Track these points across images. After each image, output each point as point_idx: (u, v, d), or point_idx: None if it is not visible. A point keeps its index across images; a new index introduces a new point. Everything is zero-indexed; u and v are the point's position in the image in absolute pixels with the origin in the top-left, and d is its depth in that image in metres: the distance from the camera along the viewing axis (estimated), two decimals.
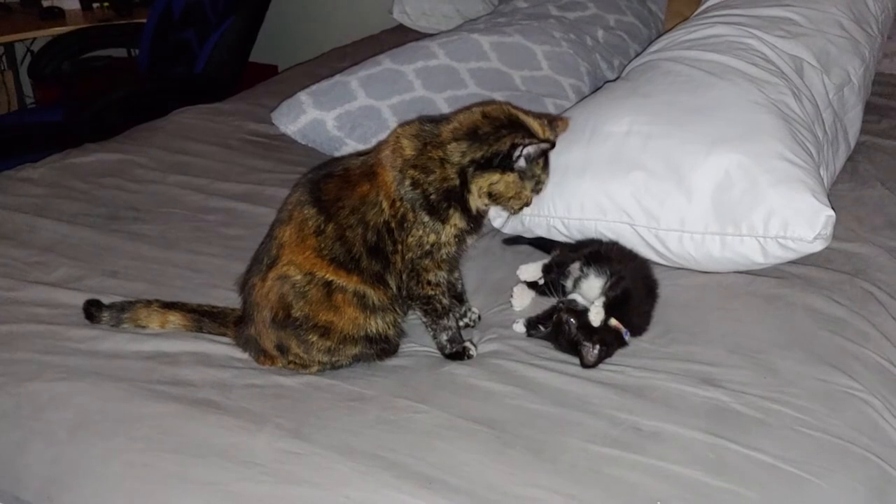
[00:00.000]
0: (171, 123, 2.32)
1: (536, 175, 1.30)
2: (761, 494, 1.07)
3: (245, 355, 1.36)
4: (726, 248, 1.44)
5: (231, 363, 1.34)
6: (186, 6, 3.22)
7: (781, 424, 1.18)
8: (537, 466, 1.11)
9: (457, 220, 1.29)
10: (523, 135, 1.26)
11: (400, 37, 2.75)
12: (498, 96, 1.98)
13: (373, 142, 1.93)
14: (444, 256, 1.31)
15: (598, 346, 1.29)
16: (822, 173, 1.54)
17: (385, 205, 1.28)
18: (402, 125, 1.34)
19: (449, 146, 1.26)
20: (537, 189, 1.32)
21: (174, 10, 3.25)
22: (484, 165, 1.26)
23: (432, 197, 1.27)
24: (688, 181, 1.46)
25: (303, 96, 2.04)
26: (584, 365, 1.30)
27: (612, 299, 1.34)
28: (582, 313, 1.33)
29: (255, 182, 1.96)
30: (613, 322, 1.33)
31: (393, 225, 1.28)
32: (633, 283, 1.39)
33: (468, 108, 1.33)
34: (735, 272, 1.50)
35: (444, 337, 1.35)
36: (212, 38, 3.07)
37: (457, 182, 1.27)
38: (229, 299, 1.47)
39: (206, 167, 2.04)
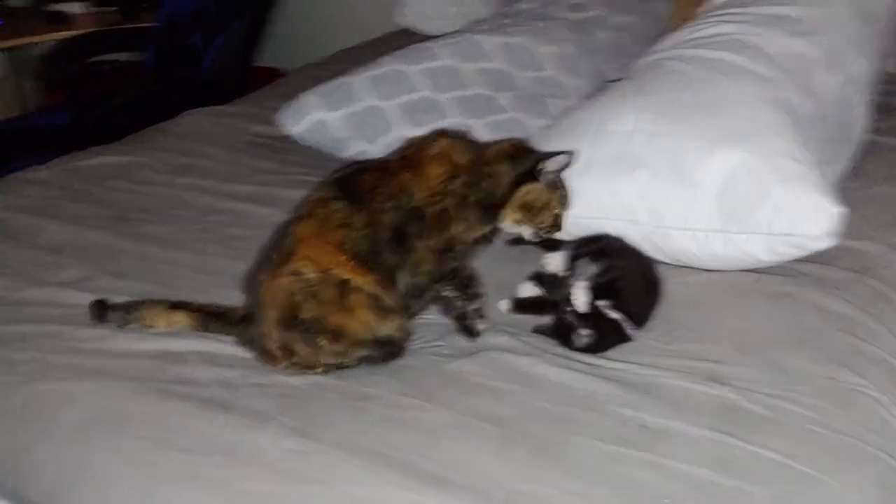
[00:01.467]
0: (177, 126, 2.32)
1: (560, 188, 1.43)
2: (770, 492, 1.07)
3: (250, 354, 1.36)
4: (730, 246, 1.44)
5: (237, 362, 1.34)
6: (193, 10, 3.23)
7: (790, 422, 1.17)
8: (544, 464, 1.10)
9: (489, 229, 1.40)
10: (545, 153, 1.43)
11: (404, 39, 2.75)
12: (501, 97, 1.99)
13: (378, 142, 1.95)
14: (465, 252, 1.38)
15: (588, 331, 1.31)
16: (828, 171, 1.53)
17: (420, 194, 1.32)
18: (446, 135, 1.41)
19: (497, 167, 1.39)
20: (563, 204, 1.45)
21: (180, 14, 3.26)
22: (519, 181, 1.39)
23: (483, 202, 1.37)
24: (692, 179, 1.46)
25: (308, 97, 2.04)
26: (571, 347, 1.33)
27: (596, 285, 1.36)
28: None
29: (261, 183, 1.96)
30: (613, 313, 1.33)
31: (427, 212, 1.32)
32: (628, 275, 1.40)
33: (495, 142, 1.45)
34: (742, 270, 1.49)
35: (472, 306, 1.37)
36: (217, 41, 3.08)
37: (496, 200, 1.39)
38: (235, 299, 1.46)
39: (212, 169, 2.05)
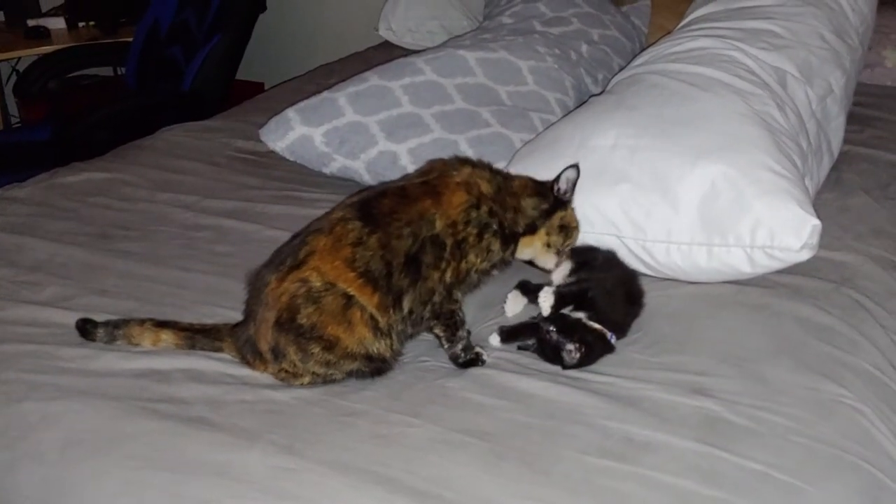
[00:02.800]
0: (158, 141, 2.32)
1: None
2: (754, 503, 1.08)
3: (236, 370, 1.36)
4: (713, 259, 1.46)
5: (222, 379, 1.33)
6: (172, 25, 3.23)
7: (772, 433, 1.19)
8: (531, 478, 1.11)
9: (508, 254, 1.42)
10: (556, 179, 1.45)
11: (386, 53, 2.76)
12: (485, 111, 2.00)
13: (361, 157, 1.95)
14: (476, 279, 1.40)
15: (577, 345, 1.31)
16: (806, 183, 1.56)
17: (439, 223, 1.32)
18: (470, 163, 1.43)
19: (523, 200, 1.42)
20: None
21: (160, 29, 3.25)
22: (549, 212, 1.43)
23: (506, 231, 1.39)
24: (674, 192, 1.47)
25: (290, 113, 2.05)
26: (565, 366, 1.32)
27: (567, 294, 1.38)
28: (559, 318, 1.36)
29: (244, 199, 1.96)
30: (593, 324, 1.35)
31: (447, 242, 1.33)
32: (602, 285, 1.41)
33: (517, 176, 1.48)
34: (723, 282, 1.51)
35: (458, 347, 1.37)
36: (199, 55, 3.08)
37: (521, 230, 1.42)
38: (219, 316, 1.47)
39: (194, 185, 2.04)
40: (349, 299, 1.28)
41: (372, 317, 1.29)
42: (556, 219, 1.43)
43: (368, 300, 1.29)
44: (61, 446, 1.21)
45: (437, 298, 1.35)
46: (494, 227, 1.37)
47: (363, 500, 1.08)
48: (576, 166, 1.43)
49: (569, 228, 1.46)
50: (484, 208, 1.36)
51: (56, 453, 1.20)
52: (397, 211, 1.33)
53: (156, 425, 1.22)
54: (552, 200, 1.43)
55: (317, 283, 1.28)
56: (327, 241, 1.31)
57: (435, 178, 1.39)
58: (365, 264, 1.29)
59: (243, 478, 1.12)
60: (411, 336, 1.39)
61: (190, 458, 1.16)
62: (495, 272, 1.42)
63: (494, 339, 1.42)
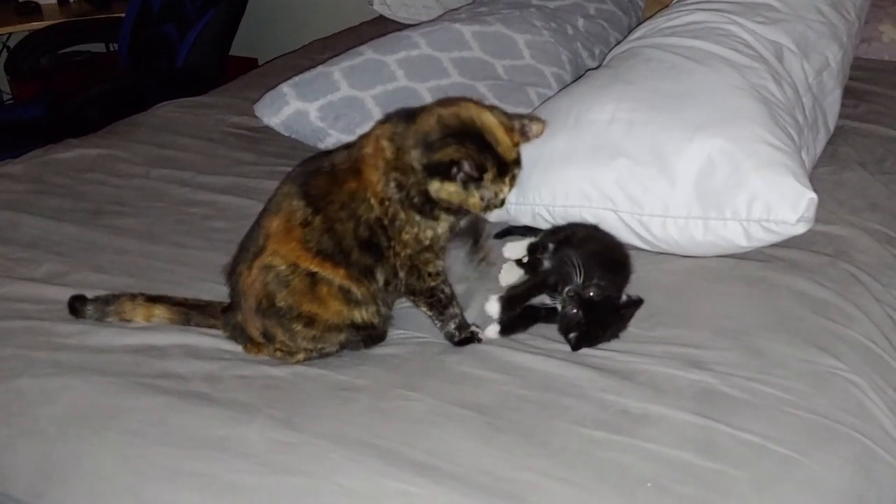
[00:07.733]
0: (152, 117, 2.30)
1: (487, 188, 1.27)
2: (750, 474, 1.09)
3: (233, 346, 1.36)
4: (709, 233, 1.46)
5: (220, 355, 1.34)
6: (165, 0, 3.20)
7: (768, 405, 1.19)
8: (528, 450, 1.12)
9: (444, 218, 1.31)
10: (468, 151, 1.24)
11: (380, 28, 2.74)
12: (481, 85, 1.99)
13: (357, 132, 1.92)
14: (442, 245, 1.34)
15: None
16: (803, 157, 1.55)
17: (374, 202, 1.29)
18: (382, 122, 1.34)
19: (412, 153, 1.26)
20: (497, 200, 1.29)
21: (153, 4, 3.23)
22: (431, 172, 1.26)
23: (415, 199, 1.27)
24: (671, 167, 1.47)
25: (285, 88, 2.03)
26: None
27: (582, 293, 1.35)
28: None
29: (239, 174, 1.96)
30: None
31: (385, 222, 1.29)
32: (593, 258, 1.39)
33: (436, 105, 1.31)
34: (719, 256, 1.51)
35: (451, 326, 1.35)
36: (192, 31, 3.06)
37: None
38: (215, 292, 1.46)
39: (189, 161, 2.03)
40: (313, 276, 1.28)
41: (341, 288, 1.29)
42: (431, 186, 1.25)
43: (333, 273, 1.28)
44: (59, 422, 1.21)
45: (402, 274, 1.33)
46: (406, 201, 1.27)
47: (362, 473, 1.09)
48: (474, 167, 1.22)
49: (450, 203, 1.26)
50: (392, 183, 1.27)
51: (54, 429, 1.21)
52: (330, 192, 1.29)
53: (154, 401, 1.22)
54: (433, 161, 1.23)
55: (281, 266, 1.28)
56: (279, 222, 1.30)
57: (355, 152, 1.32)
58: (316, 244, 1.28)
59: (242, 452, 1.13)
60: (392, 303, 1.38)
61: (188, 432, 1.16)
62: (462, 223, 1.35)
63: (492, 330, 1.36)
